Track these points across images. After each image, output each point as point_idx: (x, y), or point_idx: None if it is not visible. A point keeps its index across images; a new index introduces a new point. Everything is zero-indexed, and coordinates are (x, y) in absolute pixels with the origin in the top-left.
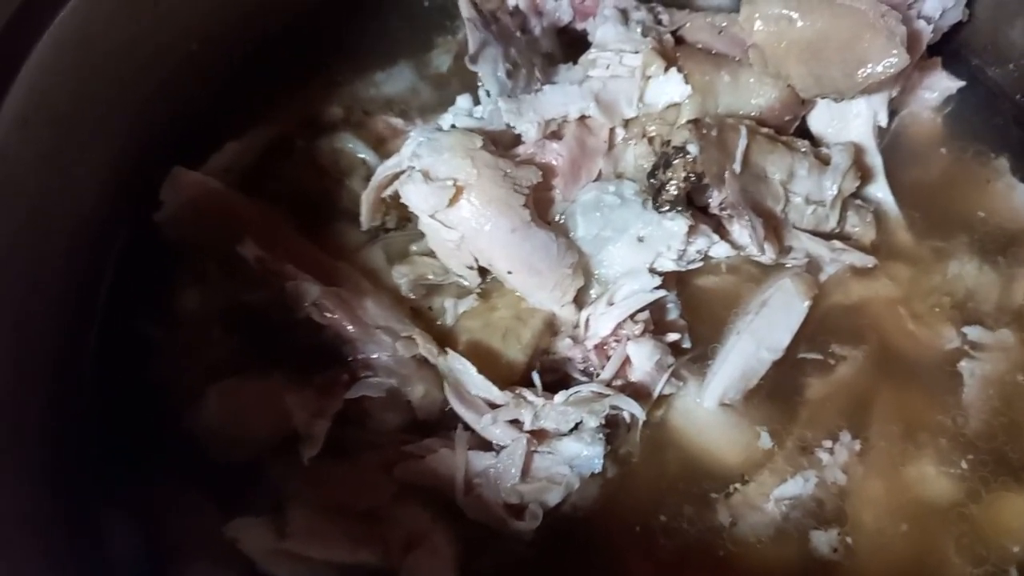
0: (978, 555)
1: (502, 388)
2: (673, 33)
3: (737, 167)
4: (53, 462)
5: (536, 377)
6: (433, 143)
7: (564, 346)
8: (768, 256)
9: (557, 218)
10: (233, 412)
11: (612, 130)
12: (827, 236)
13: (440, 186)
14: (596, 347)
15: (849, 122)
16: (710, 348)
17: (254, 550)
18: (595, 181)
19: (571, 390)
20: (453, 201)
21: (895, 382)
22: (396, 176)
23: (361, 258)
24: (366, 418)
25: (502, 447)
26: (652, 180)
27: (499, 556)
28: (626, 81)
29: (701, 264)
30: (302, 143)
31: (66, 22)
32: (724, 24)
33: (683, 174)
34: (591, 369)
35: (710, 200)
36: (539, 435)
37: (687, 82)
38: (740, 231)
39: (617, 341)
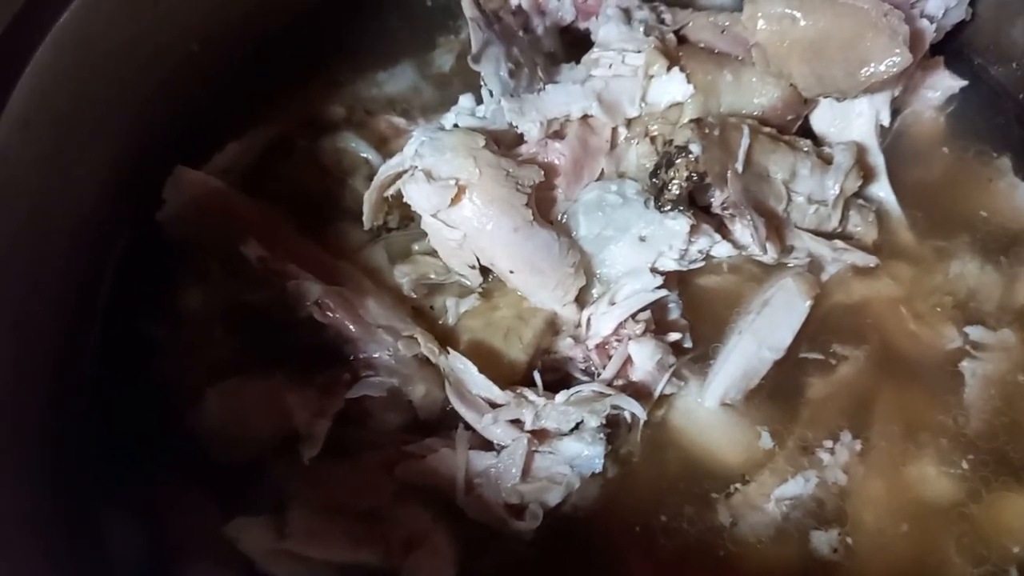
0: (979, 555)
1: (503, 388)
2: (676, 32)
3: (739, 166)
4: (53, 462)
5: (537, 377)
6: (435, 142)
7: (565, 346)
8: (770, 256)
9: (559, 217)
10: (234, 412)
11: (614, 129)
12: (829, 236)
13: (442, 185)
14: (597, 347)
15: (851, 121)
16: (711, 348)
17: (254, 550)
18: (597, 180)
19: (572, 390)
20: (455, 200)
21: (896, 382)
22: (398, 175)
23: (363, 257)
24: (367, 418)
25: (503, 447)
26: (654, 179)
27: (500, 556)
28: (628, 80)
29: (703, 264)
30: (304, 143)
31: (67, 23)
32: (727, 23)
33: (685, 173)
34: (592, 369)
35: (712, 199)
36: (540, 435)
37: (689, 81)
38: (742, 231)
39: (618, 341)
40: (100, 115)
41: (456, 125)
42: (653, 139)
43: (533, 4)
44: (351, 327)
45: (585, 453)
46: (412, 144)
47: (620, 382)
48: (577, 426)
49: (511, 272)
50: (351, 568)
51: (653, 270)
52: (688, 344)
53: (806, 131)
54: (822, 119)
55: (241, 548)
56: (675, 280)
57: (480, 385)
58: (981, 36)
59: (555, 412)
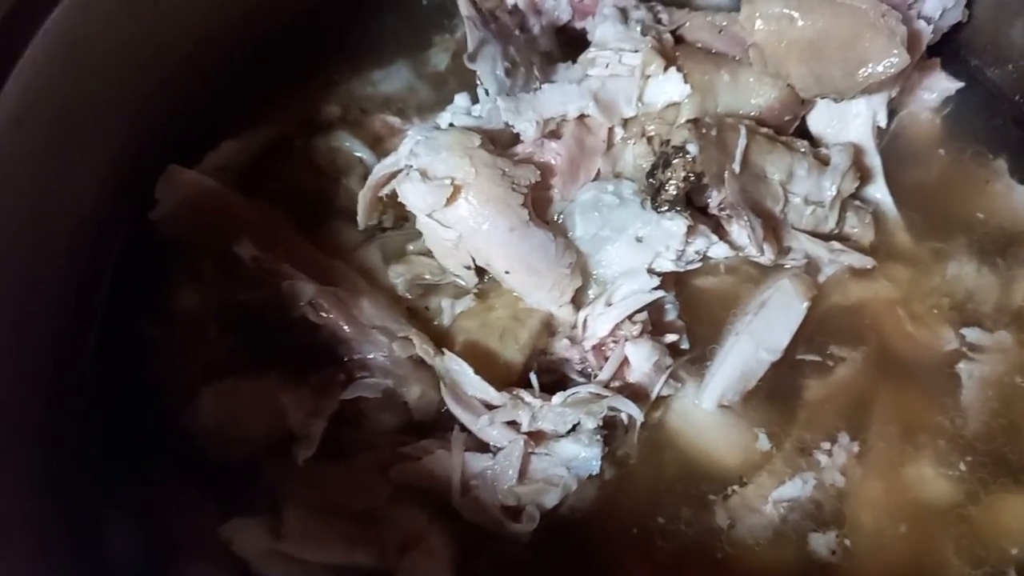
0: (977, 557)
1: (499, 389)
2: (673, 32)
3: (736, 167)
4: (53, 462)
5: (534, 378)
6: (431, 142)
7: (562, 347)
8: (767, 257)
9: (555, 218)
10: (229, 412)
11: (611, 129)
12: (826, 237)
13: (438, 185)
14: (594, 348)
15: (848, 122)
16: (708, 349)
17: (249, 552)
18: (594, 180)
19: (569, 391)
20: (451, 200)
21: (894, 383)
22: (393, 175)
23: (358, 257)
24: (362, 419)
25: (499, 448)
26: (651, 180)
27: (496, 558)
28: (625, 80)
29: (700, 264)
30: (300, 142)
31: (66, 22)
32: (724, 23)
33: (682, 174)
34: (589, 370)
35: (709, 200)
36: (536, 436)
37: (686, 81)
38: (739, 231)
39: (615, 342)
40: (100, 115)
41: (452, 124)
42: (650, 139)
43: (529, 3)
44: (345, 328)
45: (582, 455)
46: (407, 143)
47: (617, 383)
48: (574, 428)
49: (507, 272)
50: (347, 570)
51: (650, 271)
52: (685, 345)
53: (803, 132)
54: (819, 120)
55: (235, 550)
56: (672, 281)
57: (476, 386)
58: (978, 38)
59: (552, 414)
